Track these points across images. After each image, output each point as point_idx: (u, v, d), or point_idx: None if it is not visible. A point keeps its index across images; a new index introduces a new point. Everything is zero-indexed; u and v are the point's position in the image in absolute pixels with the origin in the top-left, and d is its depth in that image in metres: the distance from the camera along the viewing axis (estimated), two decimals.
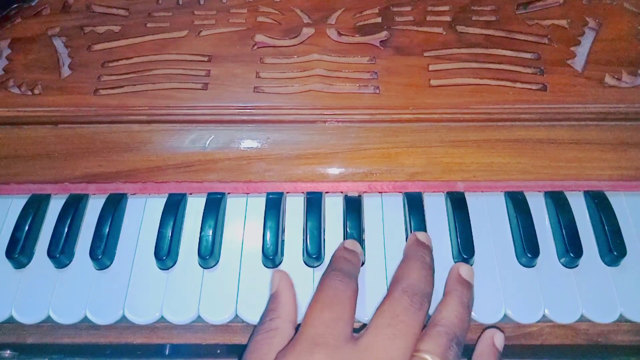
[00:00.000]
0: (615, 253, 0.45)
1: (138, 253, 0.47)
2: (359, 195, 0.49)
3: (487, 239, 0.47)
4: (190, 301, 0.45)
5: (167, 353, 0.46)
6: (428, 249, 0.44)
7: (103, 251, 0.46)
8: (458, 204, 0.48)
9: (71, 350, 0.46)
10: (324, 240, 0.47)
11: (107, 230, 0.47)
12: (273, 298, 0.41)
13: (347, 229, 0.47)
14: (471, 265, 0.46)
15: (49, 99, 0.53)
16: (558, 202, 0.48)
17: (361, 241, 0.46)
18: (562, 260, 0.46)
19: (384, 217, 0.48)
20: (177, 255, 0.47)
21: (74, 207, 0.49)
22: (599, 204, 0.47)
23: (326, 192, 0.50)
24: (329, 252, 0.46)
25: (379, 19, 0.56)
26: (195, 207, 0.49)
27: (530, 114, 0.50)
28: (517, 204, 0.48)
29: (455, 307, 0.40)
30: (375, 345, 0.35)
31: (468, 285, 0.42)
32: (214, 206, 0.48)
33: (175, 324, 0.45)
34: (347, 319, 0.38)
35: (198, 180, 0.50)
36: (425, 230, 0.47)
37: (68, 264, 0.47)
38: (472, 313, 0.43)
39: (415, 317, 0.37)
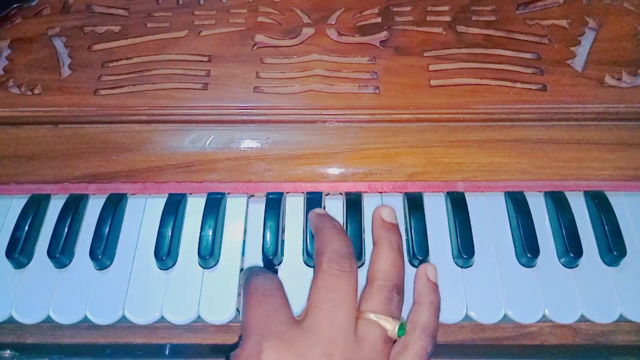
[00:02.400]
0: (615, 253, 0.45)
1: (138, 253, 0.47)
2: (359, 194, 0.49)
3: (487, 239, 0.47)
4: (190, 301, 0.45)
5: (167, 353, 0.46)
6: (327, 215, 0.44)
7: (103, 251, 0.46)
8: (458, 204, 0.48)
9: (71, 350, 0.46)
10: None
11: (107, 230, 0.47)
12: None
13: (347, 229, 0.47)
14: (471, 265, 0.46)
15: (49, 99, 0.53)
16: (558, 202, 0.48)
17: (361, 241, 0.46)
18: (562, 260, 0.46)
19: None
20: (177, 255, 0.47)
21: (74, 207, 0.49)
22: (599, 204, 0.47)
23: (326, 193, 0.50)
24: None
25: (379, 19, 0.56)
26: (195, 207, 0.49)
27: (530, 114, 0.50)
28: (517, 204, 0.48)
29: (386, 255, 0.40)
30: (320, 322, 0.36)
31: (393, 227, 0.42)
32: (214, 206, 0.48)
33: (175, 324, 0.45)
34: (283, 305, 0.38)
35: (198, 180, 0.50)
36: (425, 230, 0.47)
37: (68, 264, 0.47)
38: (472, 313, 0.44)
39: (348, 282, 0.37)
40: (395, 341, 0.38)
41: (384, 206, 0.44)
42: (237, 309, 0.44)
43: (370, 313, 0.37)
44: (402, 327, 0.37)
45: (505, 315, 0.44)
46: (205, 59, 0.54)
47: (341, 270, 0.37)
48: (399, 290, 0.39)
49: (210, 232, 0.47)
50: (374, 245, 0.42)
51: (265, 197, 0.49)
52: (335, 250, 0.39)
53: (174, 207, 0.48)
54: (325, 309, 0.36)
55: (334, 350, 0.34)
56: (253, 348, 0.35)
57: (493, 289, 0.45)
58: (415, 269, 0.46)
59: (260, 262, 0.46)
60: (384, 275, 0.39)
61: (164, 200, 0.49)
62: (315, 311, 0.36)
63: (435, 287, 0.42)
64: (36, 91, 0.53)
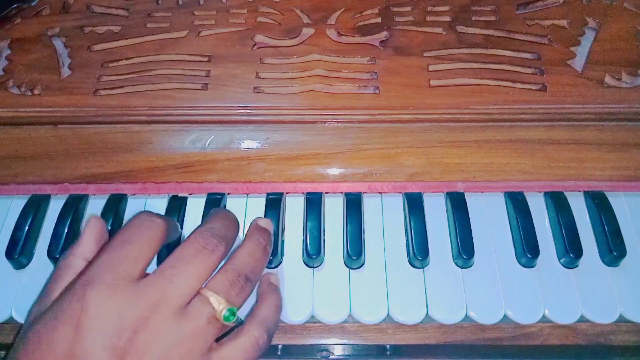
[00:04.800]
0: (615, 253, 0.45)
1: None
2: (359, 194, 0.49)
3: (487, 239, 0.47)
4: None
5: None
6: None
7: None
8: (458, 205, 0.48)
9: None
10: (324, 240, 0.47)
11: (107, 230, 0.47)
12: (76, 240, 0.40)
13: (347, 229, 0.47)
14: (471, 265, 0.46)
15: (49, 99, 0.53)
16: (558, 203, 0.48)
17: (361, 241, 0.46)
18: (562, 260, 0.46)
19: (384, 217, 0.48)
20: None
21: (74, 207, 0.49)
22: (599, 204, 0.47)
23: (326, 193, 0.50)
24: (329, 252, 0.47)
25: (379, 19, 0.56)
26: (195, 207, 0.49)
27: (530, 114, 0.50)
28: (517, 204, 0.48)
29: (248, 248, 0.40)
30: (153, 285, 0.35)
31: (265, 231, 0.42)
32: (214, 207, 0.48)
33: None
34: (138, 258, 0.36)
35: (198, 180, 0.50)
36: (425, 230, 0.46)
37: None
38: (472, 313, 0.44)
39: (203, 259, 0.36)
40: (229, 329, 0.37)
41: (260, 217, 0.44)
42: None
43: (210, 291, 0.36)
44: (232, 311, 0.35)
45: (505, 316, 0.44)
46: (205, 59, 0.54)
47: (204, 247, 0.36)
48: (248, 281, 0.37)
49: None
50: (245, 237, 0.42)
51: (265, 198, 0.49)
52: (211, 227, 0.38)
53: (174, 208, 0.49)
54: (166, 275, 0.35)
55: (151, 315, 0.33)
56: (78, 290, 0.34)
57: (493, 289, 0.45)
58: (415, 269, 0.46)
59: None
60: (237, 262, 0.38)
61: (164, 200, 0.49)
62: (157, 274, 0.35)
63: (275, 288, 0.42)
64: (36, 91, 0.53)
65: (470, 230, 0.46)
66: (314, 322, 0.45)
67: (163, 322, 0.34)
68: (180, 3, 0.58)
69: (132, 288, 0.34)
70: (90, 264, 0.36)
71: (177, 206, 0.49)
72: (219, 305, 0.35)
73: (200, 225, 0.39)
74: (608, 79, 0.52)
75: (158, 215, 0.39)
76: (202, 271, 0.36)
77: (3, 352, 0.45)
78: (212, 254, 0.37)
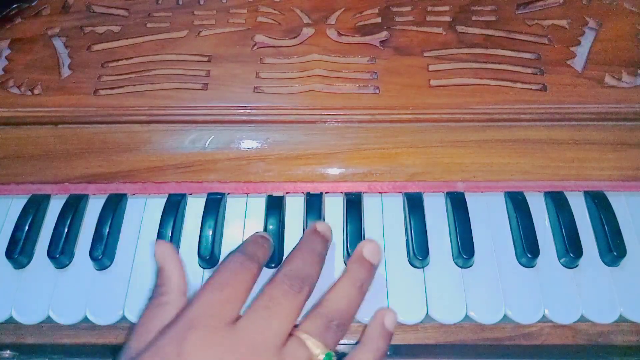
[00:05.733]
0: (615, 253, 0.45)
1: (138, 253, 0.47)
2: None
3: (487, 239, 0.47)
4: None
5: None
6: (322, 237, 0.43)
7: (103, 251, 0.46)
8: (458, 204, 0.48)
9: (71, 350, 0.46)
10: None
11: (107, 230, 0.47)
12: (159, 273, 0.40)
13: (347, 229, 0.47)
14: (471, 265, 0.46)
15: (49, 99, 0.53)
16: (558, 202, 0.48)
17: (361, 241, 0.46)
18: (562, 260, 0.46)
19: (384, 217, 0.48)
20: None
21: (73, 207, 0.49)
22: (599, 204, 0.47)
23: (326, 193, 0.50)
24: (328, 252, 0.46)
25: (379, 19, 0.56)
26: (195, 207, 0.49)
27: (530, 114, 0.50)
28: (517, 204, 0.48)
29: (345, 289, 0.39)
30: (250, 328, 0.35)
31: (368, 266, 0.41)
32: (214, 206, 0.48)
33: None
34: (236, 302, 0.37)
35: (198, 180, 0.50)
36: (425, 230, 0.46)
37: (68, 264, 0.47)
38: (472, 313, 0.44)
39: (293, 300, 0.37)
40: None
41: (370, 241, 0.43)
42: None
43: (303, 333, 0.36)
44: (329, 356, 0.36)
45: (505, 316, 0.44)
46: (205, 59, 0.54)
47: (291, 287, 0.37)
48: (341, 327, 0.38)
49: (210, 233, 0.47)
50: (344, 273, 0.41)
51: (265, 198, 0.49)
52: (296, 268, 0.39)
53: (174, 208, 0.48)
54: (260, 316, 0.36)
55: (252, 359, 0.34)
56: (179, 333, 0.34)
57: (493, 289, 0.45)
58: (415, 269, 0.46)
59: None
60: (333, 306, 0.38)
61: (164, 200, 0.49)
62: (251, 316, 0.36)
63: (388, 335, 0.40)
64: (36, 91, 0.53)
65: (471, 230, 0.46)
66: None
67: None
68: (180, 3, 0.58)
69: (231, 331, 0.35)
70: (190, 305, 0.36)
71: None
72: (317, 349, 0.36)
73: (288, 258, 0.40)
74: (608, 79, 0.52)
75: (248, 255, 0.39)
76: (293, 312, 0.37)
77: (3, 352, 0.45)
78: (299, 294, 0.37)
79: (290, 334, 0.36)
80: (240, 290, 0.37)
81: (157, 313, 0.37)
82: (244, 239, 0.43)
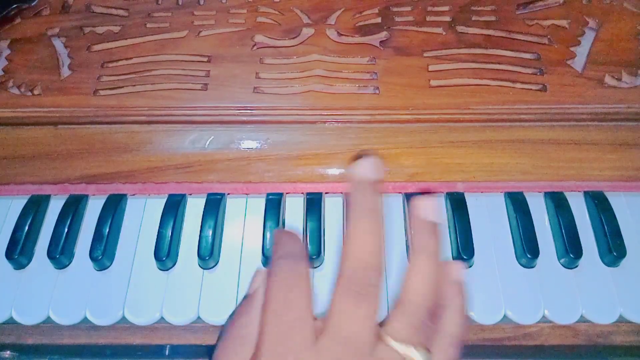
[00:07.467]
0: (615, 253, 0.45)
1: (138, 254, 0.47)
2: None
3: (487, 239, 0.47)
4: (190, 302, 0.45)
5: (166, 354, 0.46)
6: (371, 188, 0.35)
7: (103, 252, 0.46)
8: (458, 205, 0.48)
9: (71, 350, 0.46)
10: (324, 240, 0.47)
11: (107, 230, 0.47)
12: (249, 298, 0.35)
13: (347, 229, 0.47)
14: (471, 265, 0.46)
15: (48, 99, 0.53)
16: (558, 203, 0.48)
17: None
18: (562, 260, 0.46)
19: (384, 217, 0.48)
20: (177, 256, 0.47)
21: (73, 207, 0.49)
22: (599, 204, 0.47)
23: (326, 193, 0.50)
24: (329, 252, 0.47)
25: (379, 19, 0.56)
26: (195, 207, 0.49)
27: (530, 114, 0.50)
28: (517, 204, 0.48)
29: (423, 269, 0.34)
30: (334, 349, 0.31)
31: (434, 230, 0.35)
32: (214, 207, 0.48)
33: (175, 325, 0.45)
34: (307, 314, 0.32)
35: (198, 180, 0.50)
36: None
37: (68, 265, 0.47)
38: (472, 314, 0.44)
39: (369, 302, 0.31)
40: None
41: (424, 198, 0.35)
42: None
43: (392, 340, 0.32)
44: (423, 356, 0.32)
45: (505, 316, 0.44)
46: (205, 59, 0.54)
47: (362, 287, 0.32)
48: (432, 314, 0.33)
49: (210, 233, 0.47)
50: (411, 248, 0.36)
51: (265, 198, 0.49)
52: (357, 259, 0.33)
53: (174, 208, 0.48)
54: (341, 335, 0.31)
55: None
56: None
57: (493, 289, 0.45)
58: None
59: (259, 263, 0.46)
60: (416, 295, 0.33)
61: (164, 200, 0.49)
62: (332, 337, 0.31)
63: (461, 290, 0.35)
64: (36, 91, 0.53)
65: (470, 230, 0.46)
66: None
67: None
68: (180, 3, 0.58)
69: (318, 354, 0.30)
70: (262, 333, 0.31)
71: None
72: (417, 356, 0.31)
73: (344, 248, 0.33)
74: (608, 79, 0.52)
75: (296, 252, 0.34)
76: (373, 313, 0.31)
77: (3, 353, 0.45)
78: (373, 293, 0.32)
79: (378, 338, 0.31)
80: (304, 302, 0.32)
81: (232, 350, 0.33)
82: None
